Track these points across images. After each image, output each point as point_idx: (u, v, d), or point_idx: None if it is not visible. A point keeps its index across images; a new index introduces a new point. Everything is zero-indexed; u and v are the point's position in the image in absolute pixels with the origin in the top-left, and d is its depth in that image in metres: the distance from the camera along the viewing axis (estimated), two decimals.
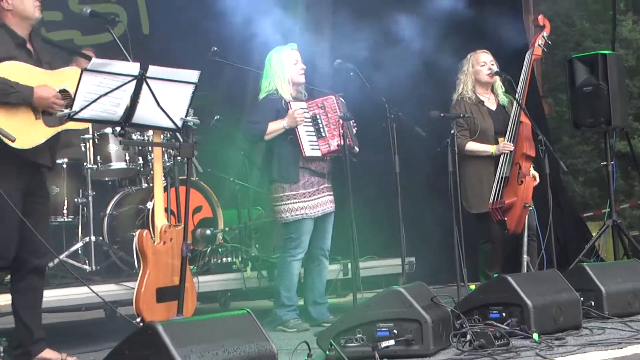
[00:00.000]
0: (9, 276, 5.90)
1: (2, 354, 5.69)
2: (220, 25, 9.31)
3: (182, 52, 8.18)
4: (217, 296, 8.29)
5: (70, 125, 5.75)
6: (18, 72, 5.55)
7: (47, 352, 5.77)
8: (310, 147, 6.89)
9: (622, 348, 5.12)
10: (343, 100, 6.98)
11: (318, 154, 6.91)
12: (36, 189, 5.74)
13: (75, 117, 5.50)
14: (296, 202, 6.96)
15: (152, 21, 9.91)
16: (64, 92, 5.67)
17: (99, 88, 5.50)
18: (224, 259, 7.94)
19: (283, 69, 7.02)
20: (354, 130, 7.02)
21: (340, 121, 6.80)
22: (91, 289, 6.24)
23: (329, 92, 7.07)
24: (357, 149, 6.98)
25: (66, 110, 5.54)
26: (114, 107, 5.60)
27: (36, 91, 5.51)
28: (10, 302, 5.88)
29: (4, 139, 5.13)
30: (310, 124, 6.91)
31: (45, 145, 5.65)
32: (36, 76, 5.62)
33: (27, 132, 5.48)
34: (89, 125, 6.06)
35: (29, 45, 5.77)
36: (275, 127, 6.90)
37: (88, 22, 7.29)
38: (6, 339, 5.89)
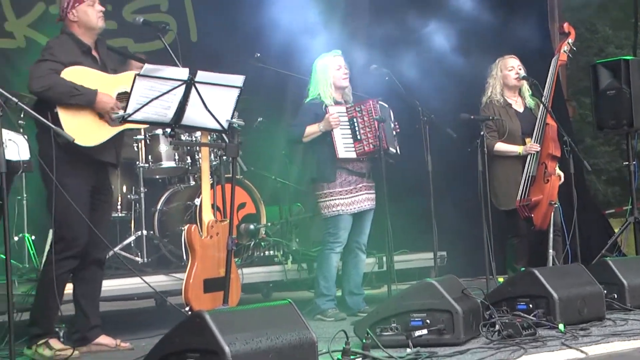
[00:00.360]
0: None
1: (62, 339, 5.74)
2: (263, 33, 9.38)
3: (228, 57, 8.20)
4: (260, 287, 8.30)
5: (132, 124, 5.82)
6: (83, 76, 5.63)
7: (103, 338, 5.85)
8: (344, 149, 6.88)
9: None
10: (384, 104, 6.96)
11: (353, 155, 6.90)
12: (102, 186, 5.85)
13: (129, 119, 5.55)
14: (333, 199, 6.96)
15: (200, 29, 9.94)
16: (124, 94, 5.71)
17: (151, 92, 5.53)
18: (267, 252, 7.97)
19: (326, 74, 7.02)
20: (394, 133, 7.01)
21: (376, 124, 6.80)
22: (143, 280, 6.29)
23: (368, 97, 7.05)
24: (393, 150, 6.95)
25: (120, 113, 5.59)
26: (164, 109, 5.62)
27: (99, 95, 5.59)
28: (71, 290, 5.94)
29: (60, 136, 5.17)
30: (348, 127, 6.89)
31: (110, 144, 5.74)
32: (100, 80, 5.70)
33: (92, 131, 5.56)
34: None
35: (94, 53, 5.86)
36: (312, 130, 6.92)
37: (141, 31, 7.35)
38: (65, 325, 5.95)
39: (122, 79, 5.82)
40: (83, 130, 5.49)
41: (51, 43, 5.81)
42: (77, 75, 5.61)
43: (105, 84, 5.69)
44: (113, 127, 5.63)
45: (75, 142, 5.15)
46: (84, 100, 5.51)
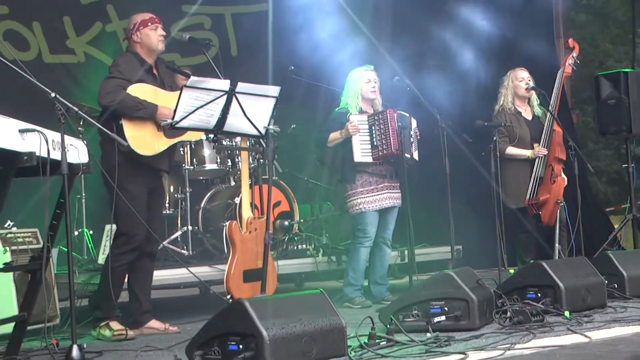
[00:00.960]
0: None
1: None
2: (296, 48, 9.44)
3: (265, 70, 8.21)
4: (294, 277, 8.31)
5: (186, 136, 5.93)
6: (146, 92, 5.71)
7: (153, 322, 5.91)
8: (361, 153, 6.85)
9: None
10: (405, 113, 6.95)
11: (369, 159, 6.86)
12: (156, 189, 5.93)
13: (176, 125, 5.59)
14: (356, 199, 6.95)
15: (239, 45, 9.98)
16: None
17: (196, 101, 5.57)
18: (299, 246, 7.96)
19: (356, 86, 7.01)
20: (412, 138, 7.00)
21: (395, 130, 6.79)
22: (189, 270, 6.33)
23: (388, 106, 7.05)
24: (407, 155, 6.91)
25: (169, 120, 5.64)
26: (208, 117, 5.66)
27: (160, 109, 5.66)
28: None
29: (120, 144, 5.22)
30: (367, 134, 6.87)
31: (165, 153, 5.81)
32: (159, 96, 5.77)
33: (151, 142, 5.63)
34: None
35: (154, 71, 5.93)
36: (334, 136, 6.91)
37: (187, 46, 7.37)
38: (120, 310, 6.00)
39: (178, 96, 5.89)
40: (143, 140, 5.57)
41: (118, 60, 5.88)
42: (141, 91, 5.69)
43: (163, 100, 5.75)
44: (169, 139, 5.70)
45: (137, 151, 5.22)
46: (147, 113, 5.58)
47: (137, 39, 5.86)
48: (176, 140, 5.82)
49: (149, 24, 5.86)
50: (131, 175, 5.53)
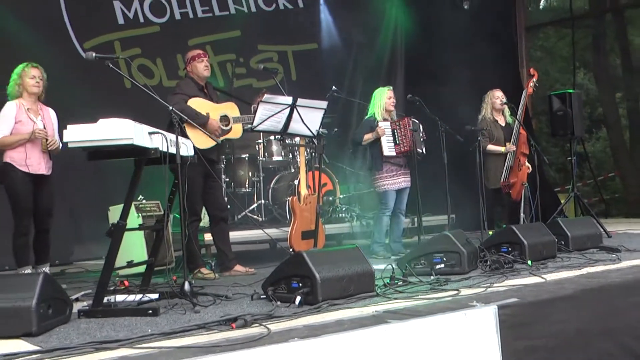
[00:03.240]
0: None
1: (212, 267, 5.83)
2: (337, 74, 9.41)
3: (316, 89, 8.20)
4: (336, 237, 8.29)
5: (230, 135, 5.88)
6: (200, 105, 5.71)
7: (238, 267, 5.92)
8: (388, 149, 6.81)
9: (580, 269, 5.00)
10: (415, 120, 6.89)
11: (393, 153, 6.82)
12: (210, 174, 5.66)
13: (255, 129, 5.59)
14: (382, 181, 6.91)
15: (298, 72, 10.01)
16: (224, 117, 5.81)
17: (268, 112, 5.57)
18: (340, 215, 7.97)
19: (381, 100, 6.96)
20: (422, 138, 6.94)
21: (410, 133, 6.75)
22: (264, 231, 6.37)
23: (404, 115, 7.00)
24: (419, 150, 6.85)
25: (249, 125, 5.63)
26: (276, 123, 5.66)
27: (210, 120, 5.65)
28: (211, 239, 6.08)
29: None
30: (391, 135, 6.83)
31: (215, 148, 5.75)
32: (210, 107, 5.76)
33: (205, 140, 5.56)
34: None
35: (205, 90, 5.89)
36: (367, 137, 6.86)
37: (261, 74, 7.38)
38: (211, 260, 6.03)
39: (223, 107, 5.89)
40: (200, 138, 5.50)
41: (180, 83, 5.91)
42: (197, 104, 5.68)
43: (213, 110, 5.75)
44: (215, 139, 5.61)
45: (196, 145, 5.17)
46: (201, 122, 5.54)
47: (190, 68, 5.84)
48: (220, 139, 5.76)
49: (197, 58, 5.84)
50: (190, 165, 5.46)
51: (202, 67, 5.82)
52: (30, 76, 5.42)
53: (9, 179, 5.31)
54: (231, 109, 5.88)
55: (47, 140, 5.40)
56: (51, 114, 5.61)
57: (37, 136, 5.35)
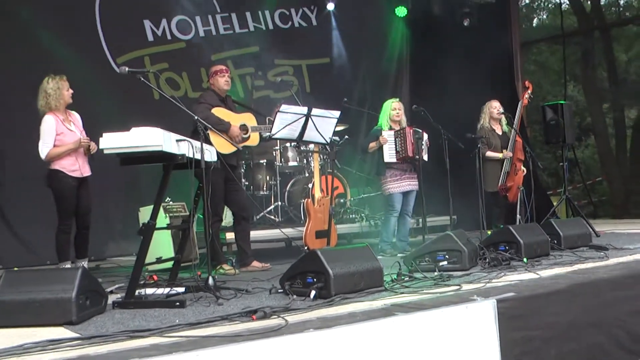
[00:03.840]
0: None
1: (233, 264, 5.83)
2: (347, 85, 9.41)
3: (329, 100, 8.17)
4: (347, 236, 8.26)
5: (248, 142, 5.87)
6: (222, 114, 5.72)
7: (255, 263, 5.91)
8: (388, 156, 6.74)
9: (572, 266, 4.96)
10: (418, 129, 6.85)
11: (394, 160, 6.76)
12: (231, 178, 5.69)
13: (273, 136, 5.59)
14: (387, 184, 6.85)
15: (311, 84, 9.98)
16: (243, 125, 5.81)
17: (285, 121, 5.57)
18: (350, 216, 7.96)
19: (387, 111, 6.93)
20: (423, 145, 6.89)
21: (412, 141, 6.70)
22: (281, 230, 6.37)
23: (408, 125, 6.97)
24: (421, 156, 6.81)
25: (267, 133, 5.63)
26: (293, 131, 5.66)
27: (231, 127, 5.66)
28: (233, 237, 6.06)
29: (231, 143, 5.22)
30: (393, 144, 6.79)
31: (234, 154, 5.76)
32: (230, 116, 5.77)
33: (226, 146, 5.58)
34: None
35: (225, 102, 5.91)
36: (372, 145, 6.81)
37: (278, 85, 7.41)
38: (231, 258, 6.02)
39: (242, 117, 5.90)
40: (221, 144, 5.51)
41: (204, 94, 5.94)
42: (219, 112, 5.70)
43: (233, 119, 5.76)
44: (237, 144, 5.65)
45: (218, 150, 5.16)
46: (223, 128, 5.57)
47: (213, 82, 5.87)
48: (240, 145, 5.76)
49: (219, 73, 5.85)
50: (213, 170, 5.45)
51: (223, 82, 5.84)
52: (66, 88, 5.45)
53: (59, 183, 5.35)
54: (249, 119, 5.90)
55: (89, 146, 5.47)
56: (77, 117, 5.65)
57: (83, 145, 5.43)
